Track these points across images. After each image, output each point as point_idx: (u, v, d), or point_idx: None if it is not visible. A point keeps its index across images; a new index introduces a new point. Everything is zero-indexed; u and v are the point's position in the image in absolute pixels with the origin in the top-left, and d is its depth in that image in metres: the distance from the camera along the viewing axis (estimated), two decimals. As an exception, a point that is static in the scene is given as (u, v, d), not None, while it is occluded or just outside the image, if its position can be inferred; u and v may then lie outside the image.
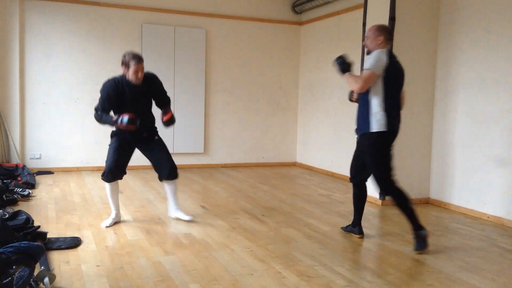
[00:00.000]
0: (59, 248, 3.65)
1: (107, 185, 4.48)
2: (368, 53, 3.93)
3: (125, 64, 4.21)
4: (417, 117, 5.59)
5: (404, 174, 5.58)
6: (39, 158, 7.22)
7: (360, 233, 4.22)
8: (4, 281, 2.57)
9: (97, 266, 3.33)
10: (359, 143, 4.10)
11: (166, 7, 7.73)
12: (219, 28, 8.08)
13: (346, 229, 4.35)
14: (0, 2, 6.84)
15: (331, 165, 7.62)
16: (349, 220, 4.81)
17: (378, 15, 5.55)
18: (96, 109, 4.28)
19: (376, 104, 3.79)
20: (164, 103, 4.60)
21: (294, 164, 8.68)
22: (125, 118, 4.09)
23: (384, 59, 3.76)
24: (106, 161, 4.43)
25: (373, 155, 3.93)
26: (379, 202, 5.55)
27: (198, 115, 8.00)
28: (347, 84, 3.92)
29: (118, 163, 4.43)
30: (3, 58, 6.92)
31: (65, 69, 7.28)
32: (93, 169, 7.45)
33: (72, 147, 7.38)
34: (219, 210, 5.10)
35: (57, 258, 3.46)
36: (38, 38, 7.10)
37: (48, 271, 2.93)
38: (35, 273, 2.87)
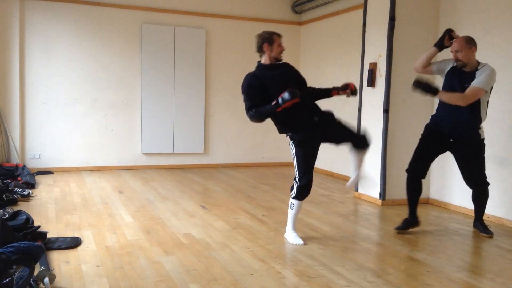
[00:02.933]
0: (59, 248, 3.65)
1: (296, 204, 3.97)
2: (463, 66, 4.05)
3: (268, 40, 3.88)
4: (417, 117, 5.59)
5: (404, 174, 5.58)
6: (39, 158, 7.22)
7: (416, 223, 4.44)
8: (4, 281, 2.58)
9: (97, 266, 3.33)
10: (456, 144, 4.23)
11: (166, 7, 7.73)
12: (219, 28, 8.08)
13: (404, 227, 4.38)
14: (0, 2, 6.84)
15: (331, 165, 7.62)
16: (349, 220, 4.81)
17: (378, 15, 5.55)
18: (249, 108, 3.87)
19: (483, 113, 4.15)
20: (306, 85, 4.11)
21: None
22: (285, 94, 3.66)
23: (495, 78, 4.08)
24: (299, 174, 3.98)
25: (482, 159, 4.22)
26: (379, 202, 5.55)
27: (198, 115, 8.00)
28: (448, 102, 4.08)
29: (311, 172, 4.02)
30: (3, 58, 6.92)
31: (65, 69, 7.28)
32: (93, 169, 7.46)
33: (72, 147, 7.38)
34: (219, 210, 5.10)
35: (57, 258, 3.46)
36: (38, 38, 7.10)
37: (48, 271, 2.93)
38: (35, 273, 2.87)
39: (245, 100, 3.93)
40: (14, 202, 5.06)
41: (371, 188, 4.96)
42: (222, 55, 8.15)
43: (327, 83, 7.74)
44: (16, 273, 2.66)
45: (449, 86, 4.16)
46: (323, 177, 7.41)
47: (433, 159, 4.42)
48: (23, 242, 2.98)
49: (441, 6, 5.54)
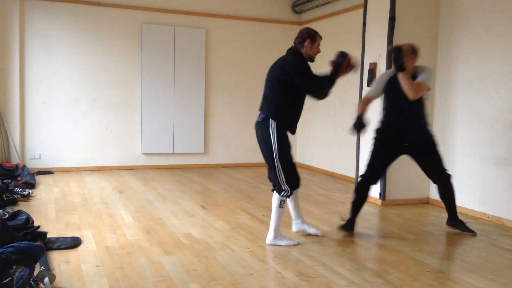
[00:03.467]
0: (59, 248, 3.65)
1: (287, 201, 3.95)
2: (402, 69, 4.07)
3: (311, 37, 3.94)
4: (417, 117, 5.59)
5: (404, 174, 5.59)
6: (39, 158, 7.22)
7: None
8: (4, 281, 2.58)
9: (97, 266, 3.33)
10: (413, 147, 4.29)
11: (166, 7, 7.73)
12: (219, 28, 8.08)
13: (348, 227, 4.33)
14: (0, 2, 6.84)
15: (331, 165, 7.62)
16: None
17: (378, 15, 5.55)
18: (310, 78, 3.74)
19: (425, 112, 4.33)
20: None
21: (294, 164, 8.67)
22: (338, 57, 3.69)
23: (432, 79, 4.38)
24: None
25: (439, 152, 4.33)
26: (379, 202, 5.55)
27: (198, 115, 8.00)
28: (402, 84, 4.09)
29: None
30: (3, 58, 6.92)
31: (65, 69, 7.28)
32: (93, 169, 7.46)
33: (72, 147, 7.39)
34: (219, 210, 5.10)
35: (57, 258, 3.46)
36: (38, 38, 7.11)
37: (48, 271, 2.93)
38: (35, 273, 2.87)
39: (304, 73, 3.78)
40: (14, 202, 5.06)
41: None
42: (222, 55, 8.15)
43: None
44: (16, 273, 2.66)
45: (391, 99, 4.32)
46: (323, 177, 7.41)
47: (389, 165, 4.51)
48: (23, 242, 2.98)
49: (441, 6, 5.54)
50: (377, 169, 4.38)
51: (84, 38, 7.34)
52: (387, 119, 4.38)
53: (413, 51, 4.16)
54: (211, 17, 8.01)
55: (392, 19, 5.36)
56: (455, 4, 5.36)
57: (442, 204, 5.46)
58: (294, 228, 4.24)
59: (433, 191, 5.65)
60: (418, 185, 5.66)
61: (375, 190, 5.60)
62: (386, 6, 5.41)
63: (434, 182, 4.42)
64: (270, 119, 3.81)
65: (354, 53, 6.75)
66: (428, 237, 4.29)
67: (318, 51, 4.03)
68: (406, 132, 4.26)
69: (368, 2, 5.74)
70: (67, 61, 7.28)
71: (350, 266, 3.45)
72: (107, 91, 7.52)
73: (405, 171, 5.58)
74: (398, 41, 5.41)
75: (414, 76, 4.14)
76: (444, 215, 5.14)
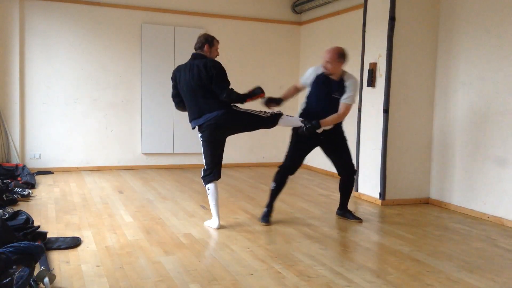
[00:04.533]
0: (59, 248, 3.65)
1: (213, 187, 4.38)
2: (330, 74, 4.49)
3: (210, 42, 4.65)
4: (417, 117, 5.59)
5: (404, 174, 5.60)
6: (39, 158, 7.22)
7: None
8: (4, 281, 2.58)
9: (97, 266, 3.33)
10: (328, 140, 4.63)
11: (166, 7, 7.74)
12: (219, 28, 8.08)
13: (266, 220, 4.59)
14: (0, 2, 6.85)
15: (331, 165, 7.59)
16: (349, 220, 4.81)
17: (378, 15, 5.55)
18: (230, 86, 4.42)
19: None
20: None
21: (294, 164, 8.68)
22: (258, 89, 4.65)
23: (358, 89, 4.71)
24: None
25: (348, 147, 4.73)
26: (379, 202, 5.55)
27: (198, 115, 7.99)
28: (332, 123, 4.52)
29: None
30: (3, 58, 6.92)
31: (65, 69, 7.28)
32: (93, 169, 7.46)
33: (72, 147, 7.39)
34: (219, 210, 5.09)
35: (57, 258, 3.46)
36: (38, 38, 7.11)
37: (48, 271, 2.93)
38: (35, 273, 2.87)
39: (226, 81, 4.36)
40: (14, 202, 5.06)
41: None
42: (221, 55, 8.08)
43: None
44: (16, 273, 2.66)
45: (315, 94, 4.57)
46: (323, 177, 7.41)
47: (305, 156, 4.74)
48: (23, 242, 2.98)
49: (441, 6, 5.54)
50: (295, 160, 4.66)
51: (84, 38, 7.34)
52: (307, 109, 4.64)
53: (341, 56, 4.45)
54: (211, 17, 8.01)
55: (392, 19, 5.37)
56: (455, 4, 5.36)
57: (442, 204, 5.50)
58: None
59: (433, 191, 5.66)
60: (418, 185, 5.66)
61: (375, 190, 5.61)
62: (386, 6, 5.41)
63: (339, 174, 4.75)
64: None
65: (354, 53, 6.77)
66: (428, 237, 4.30)
67: (218, 54, 4.62)
68: (327, 129, 4.53)
69: (368, 2, 5.74)
70: (67, 61, 7.28)
71: (350, 266, 3.45)
72: (107, 91, 7.52)
73: (405, 171, 5.58)
74: (398, 41, 5.42)
75: (340, 82, 4.47)
76: (444, 215, 5.15)
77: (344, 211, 4.84)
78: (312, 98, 4.63)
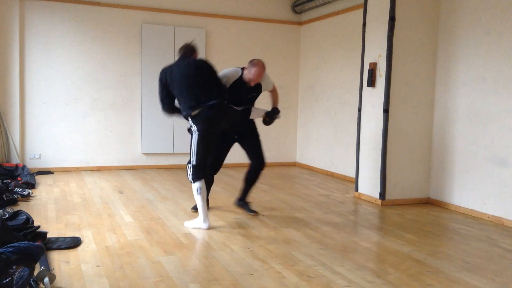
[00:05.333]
0: (59, 248, 3.65)
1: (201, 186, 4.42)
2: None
3: (196, 50, 4.81)
4: (417, 117, 5.60)
5: (404, 174, 5.60)
6: (39, 158, 7.22)
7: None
8: (4, 281, 2.58)
9: (97, 266, 3.33)
10: (243, 136, 4.93)
11: (166, 7, 7.74)
12: (219, 28, 8.08)
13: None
14: (0, 2, 6.84)
15: (331, 165, 7.62)
16: (349, 220, 4.82)
17: (378, 15, 5.55)
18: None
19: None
20: None
21: (294, 164, 8.68)
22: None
23: None
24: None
25: (260, 139, 4.99)
26: (379, 202, 5.55)
27: (198, 115, 7.99)
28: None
29: None
30: (3, 58, 6.92)
31: (65, 69, 7.28)
32: (93, 169, 7.46)
33: (72, 147, 7.39)
34: (219, 210, 5.10)
35: (57, 258, 3.46)
36: (38, 38, 7.11)
37: (48, 271, 2.93)
38: (35, 273, 2.87)
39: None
40: (14, 202, 5.06)
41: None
42: (222, 55, 8.15)
43: (327, 83, 7.79)
44: (16, 273, 2.66)
45: (235, 93, 4.71)
46: (323, 177, 7.41)
47: (227, 154, 5.02)
48: (23, 242, 2.98)
49: (441, 6, 5.54)
50: (219, 162, 4.97)
51: (84, 38, 7.34)
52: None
53: (264, 69, 4.84)
54: (211, 17, 8.01)
55: (392, 19, 5.37)
56: (455, 4, 5.36)
57: (442, 204, 5.50)
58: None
59: (433, 191, 5.66)
60: (418, 185, 5.66)
61: (375, 190, 5.61)
62: (386, 6, 5.41)
63: (251, 165, 4.96)
64: None
65: (354, 53, 6.77)
66: (428, 237, 4.30)
67: None
68: (239, 128, 4.85)
69: (368, 2, 5.74)
70: (67, 61, 7.28)
71: (350, 266, 3.45)
72: (107, 91, 7.52)
73: (405, 171, 5.58)
74: (398, 41, 5.42)
75: (256, 85, 4.80)
76: (444, 215, 5.15)
77: (243, 202, 5.01)
78: (230, 97, 4.76)
